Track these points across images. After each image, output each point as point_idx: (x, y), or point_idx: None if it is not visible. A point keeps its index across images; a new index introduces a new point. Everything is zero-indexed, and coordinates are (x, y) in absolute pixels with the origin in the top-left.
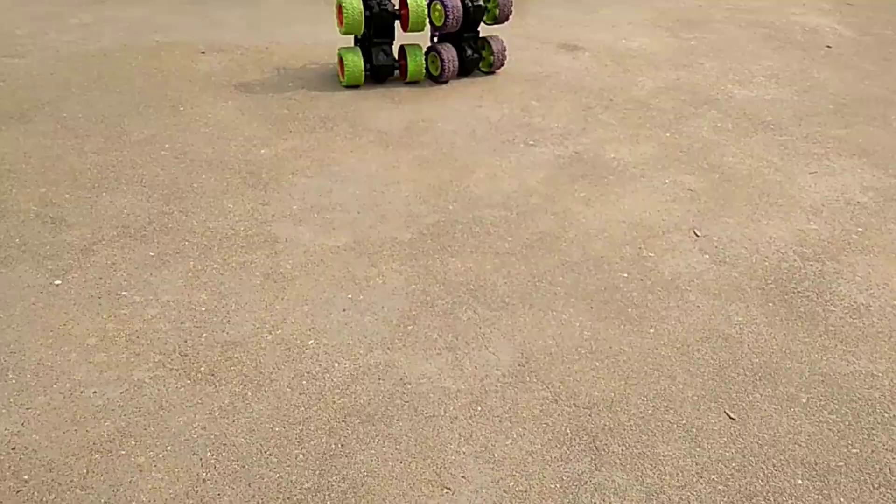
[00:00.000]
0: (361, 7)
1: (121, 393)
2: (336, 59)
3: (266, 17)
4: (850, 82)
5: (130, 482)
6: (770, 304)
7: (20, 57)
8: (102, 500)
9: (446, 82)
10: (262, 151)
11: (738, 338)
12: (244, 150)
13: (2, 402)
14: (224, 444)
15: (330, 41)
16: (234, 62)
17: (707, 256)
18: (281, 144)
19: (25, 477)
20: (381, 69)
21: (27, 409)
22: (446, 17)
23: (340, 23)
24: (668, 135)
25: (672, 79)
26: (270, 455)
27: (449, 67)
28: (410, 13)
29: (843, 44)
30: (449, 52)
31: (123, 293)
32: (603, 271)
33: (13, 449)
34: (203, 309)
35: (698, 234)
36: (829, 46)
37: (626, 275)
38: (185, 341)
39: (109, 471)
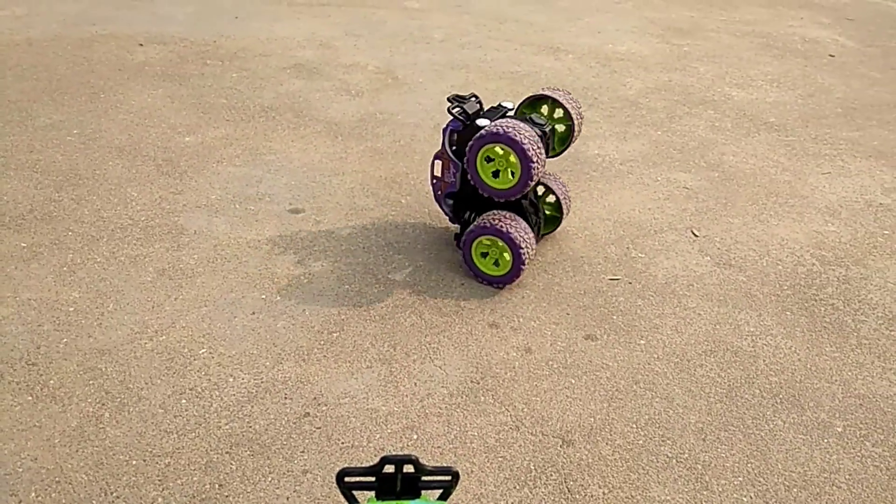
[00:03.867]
0: None
1: None
2: None
3: (219, 13)
4: (857, 88)
5: None
6: (788, 314)
7: None
8: None
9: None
10: (187, 139)
11: (750, 351)
12: (165, 138)
13: None
14: (57, 482)
15: (288, 36)
16: (175, 53)
17: (708, 258)
18: (210, 133)
19: None
20: None
21: None
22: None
23: None
24: (659, 133)
25: (663, 80)
26: (118, 497)
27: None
28: None
29: (846, 53)
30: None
31: None
32: (582, 273)
33: None
34: (71, 309)
35: (696, 233)
36: (831, 55)
37: (612, 279)
38: (38, 348)
39: None
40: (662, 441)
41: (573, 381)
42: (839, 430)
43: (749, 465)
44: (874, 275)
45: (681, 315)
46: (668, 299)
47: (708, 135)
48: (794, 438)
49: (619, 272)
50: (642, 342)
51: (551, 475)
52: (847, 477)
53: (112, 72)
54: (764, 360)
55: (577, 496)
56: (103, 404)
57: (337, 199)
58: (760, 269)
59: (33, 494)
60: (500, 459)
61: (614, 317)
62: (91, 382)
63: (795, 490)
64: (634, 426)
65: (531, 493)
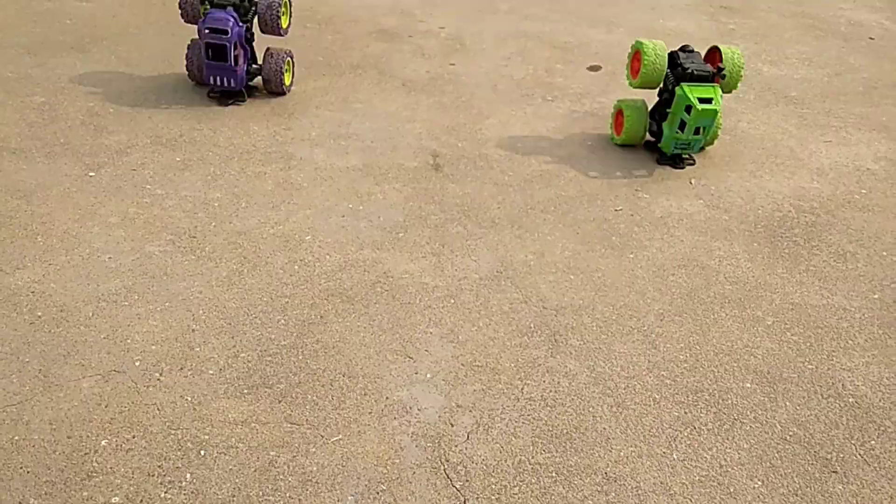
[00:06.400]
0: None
1: (132, 260)
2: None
3: None
4: (886, 70)
5: (129, 325)
6: (755, 244)
7: (87, 0)
8: (102, 337)
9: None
10: (294, 89)
11: (714, 268)
12: None
13: (28, 257)
14: (216, 306)
15: (374, 4)
16: None
17: (701, 202)
18: (311, 84)
19: (39, 314)
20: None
21: (49, 264)
22: None
23: (634, 73)
24: None
25: None
26: (255, 318)
27: None
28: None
29: (886, 37)
30: None
31: (147, 186)
32: (595, 205)
33: (32, 292)
34: (216, 204)
35: (694, 182)
36: (871, 38)
37: (617, 210)
38: (196, 227)
39: (112, 316)
40: (630, 318)
41: (571, 277)
42: (769, 323)
43: (690, 338)
44: (839, 222)
45: (667, 240)
46: (660, 228)
47: (730, 104)
48: (730, 325)
49: (625, 206)
50: (631, 255)
51: (543, 332)
52: (764, 351)
53: None
54: (724, 275)
55: (561, 346)
56: (242, 264)
57: (408, 140)
58: (743, 212)
59: (201, 312)
60: (508, 320)
61: (613, 237)
62: (234, 251)
63: (721, 355)
64: (611, 308)
65: (528, 340)
